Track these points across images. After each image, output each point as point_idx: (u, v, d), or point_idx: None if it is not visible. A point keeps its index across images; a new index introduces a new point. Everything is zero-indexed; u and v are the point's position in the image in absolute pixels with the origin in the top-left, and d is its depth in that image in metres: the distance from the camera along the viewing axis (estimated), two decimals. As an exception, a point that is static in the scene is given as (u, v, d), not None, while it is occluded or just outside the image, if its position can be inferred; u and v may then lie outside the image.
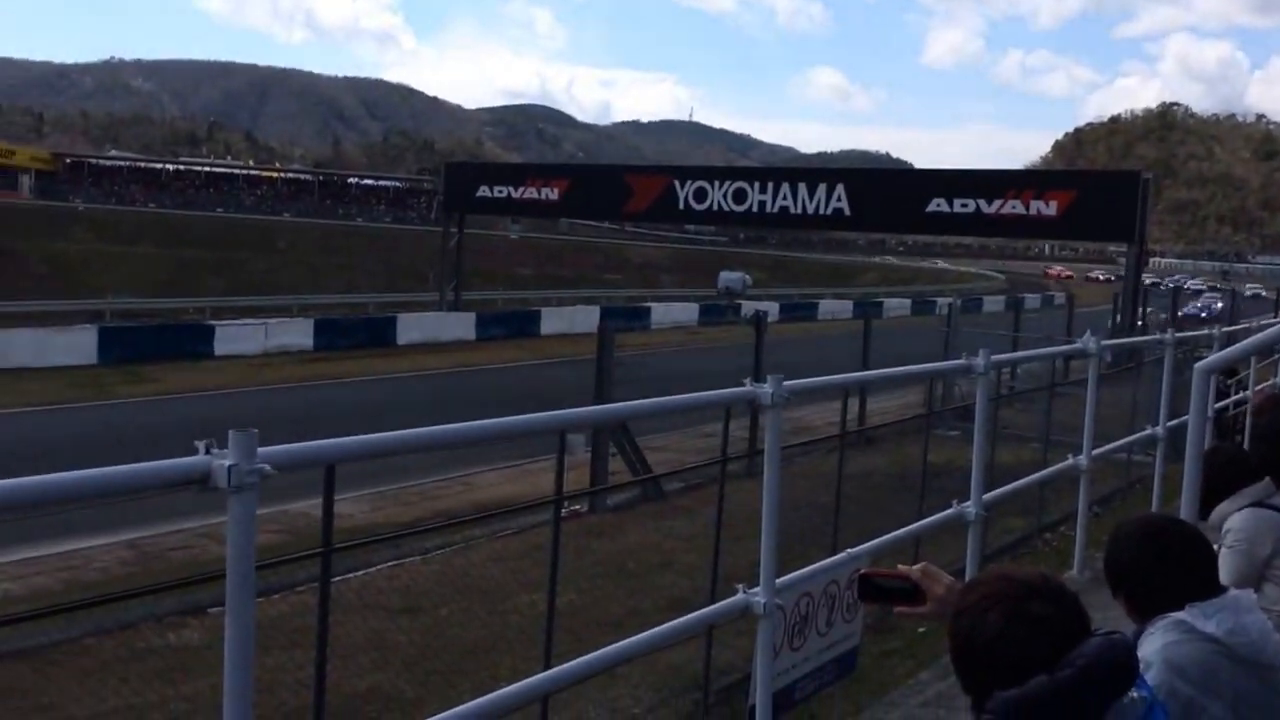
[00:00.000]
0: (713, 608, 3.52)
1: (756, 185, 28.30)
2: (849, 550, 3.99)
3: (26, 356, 23.39)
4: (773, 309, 38.33)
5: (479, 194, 33.23)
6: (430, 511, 12.29)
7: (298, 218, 71.91)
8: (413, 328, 31.79)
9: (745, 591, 3.18)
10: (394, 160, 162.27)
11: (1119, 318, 24.33)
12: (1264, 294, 52.61)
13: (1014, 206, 24.46)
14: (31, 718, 6.25)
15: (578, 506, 10.70)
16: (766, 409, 3.10)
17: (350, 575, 8.13)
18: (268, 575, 6.29)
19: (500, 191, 32.96)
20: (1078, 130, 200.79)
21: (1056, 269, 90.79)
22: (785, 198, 27.48)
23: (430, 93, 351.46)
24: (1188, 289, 61.92)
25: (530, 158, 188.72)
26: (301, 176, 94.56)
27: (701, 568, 5.89)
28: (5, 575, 9.66)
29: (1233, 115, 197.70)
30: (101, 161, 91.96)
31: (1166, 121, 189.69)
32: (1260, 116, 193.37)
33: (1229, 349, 4.64)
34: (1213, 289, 62.70)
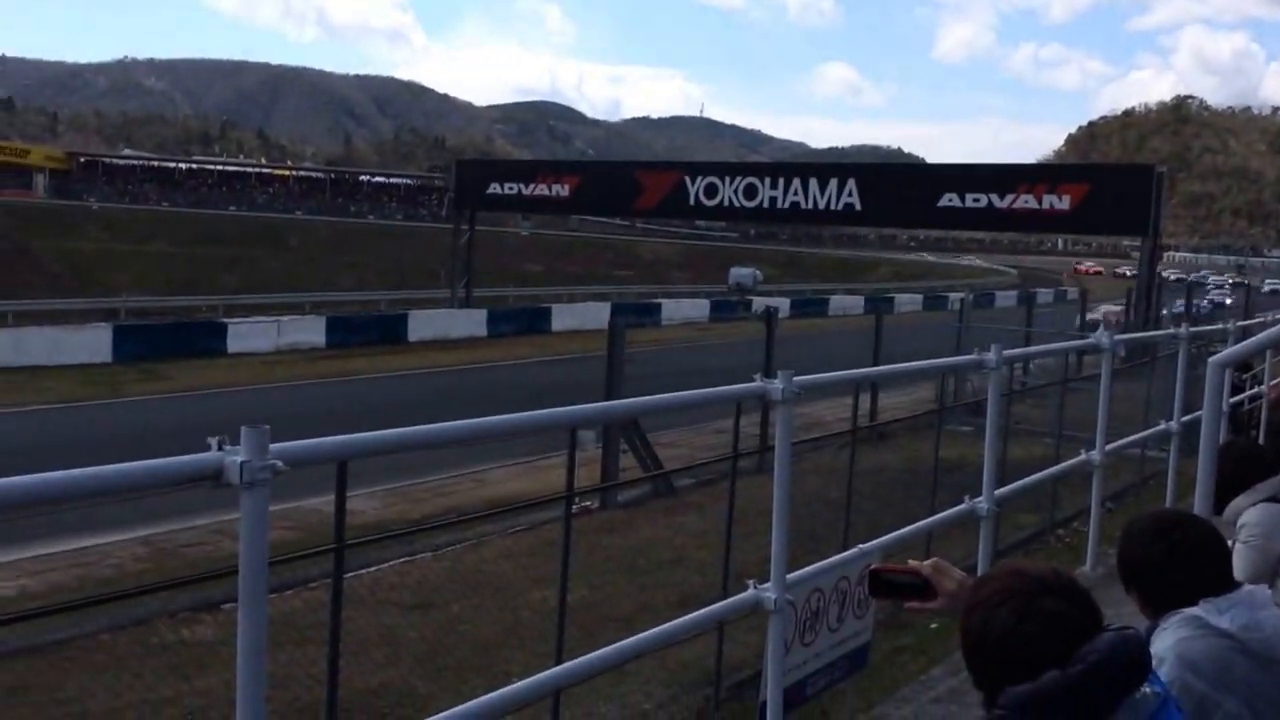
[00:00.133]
0: (723, 603, 3.52)
1: (767, 181, 28.22)
2: (860, 546, 3.98)
3: (42, 355, 23.59)
4: (784, 305, 38.28)
5: (490, 191, 33.28)
6: (442, 508, 12.33)
7: (310, 215, 72.20)
8: (424, 325, 31.88)
9: (756, 587, 3.18)
10: (405, 158, 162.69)
11: (1132, 312, 24.16)
12: None
13: (1026, 201, 24.31)
14: (48, 712, 6.30)
15: (589, 503, 10.71)
16: (777, 404, 3.09)
17: (363, 571, 8.18)
18: (281, 571, 6.33)
19: (511, 188, 33.00)
20: (1091, 124, 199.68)
21: (1086, 264, 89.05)
22: (796, 193, 27.40)
23: (441, 90, 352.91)
24: (1209, 284, 60.88)
25: (540, 154, 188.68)
26: (313, 174, 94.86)
27: (713, 564, 5.89)
28: (22, 571, 9.74)
29: (1248, 108, 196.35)
30: (115, 161, 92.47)
31: (1181, 115, 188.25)
32: (1276, 109, 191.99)
33: (1244, 343, 4.59)
34: (1235, 285, 61.81)
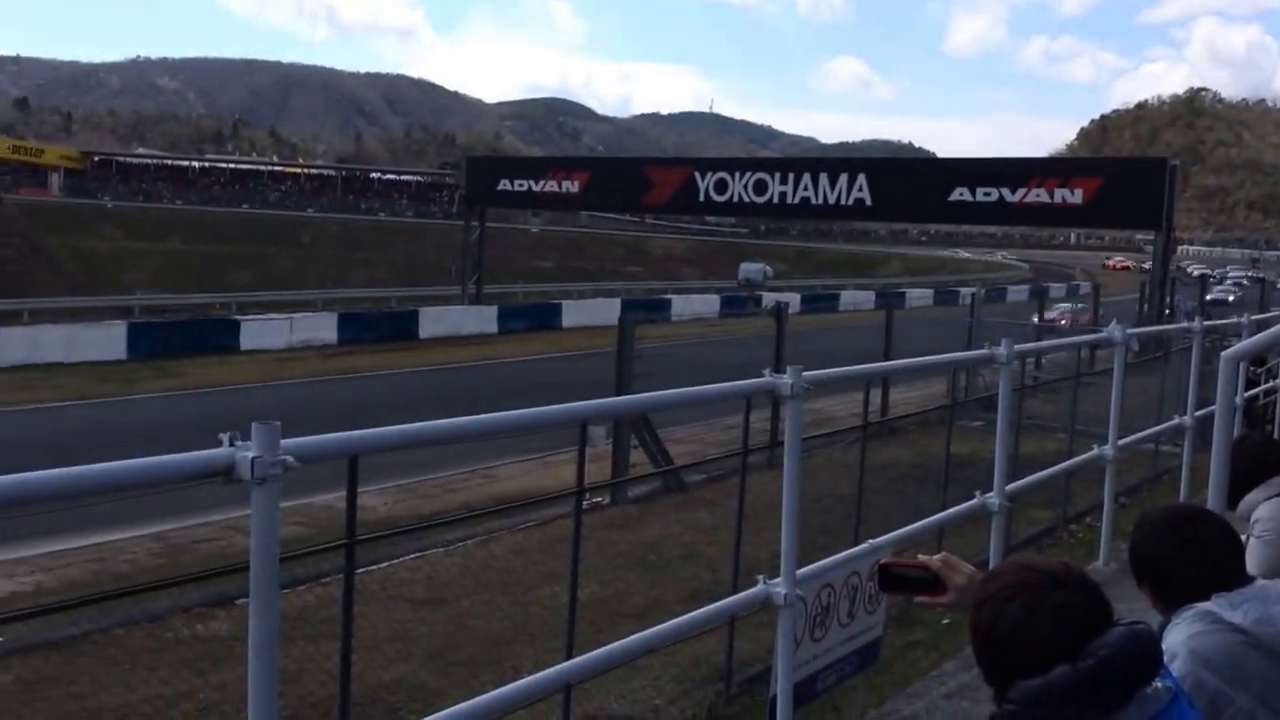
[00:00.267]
0: (733, 598, 3.52)
1: (777, 176, 28.15)
2: (871, 541, 3.98)
3: (58, 352, 23.78)
4: (794, 300, 38.21)
5: (500, 187, 33.32)
6: (452, 504, 12.38)
7: (321, 213, 72.47)
8: (435, 321, 31.97)
9: (766, 582, 3.18)
10: (416, 155, 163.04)
11: (1146, 306, 24.02)
12: None
13: (1038, 195, 24.17)
14: (63, 707, 6.36)
15: (599, 499, 10.72)
16: (787, 400, 3.09)
17: (374, 567, 8.21)
18: (293, 567, 6.36)
19: (521, 185, 33.03)
20: (1103, 117, 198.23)
21: (1116, 259, 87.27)
22: (806, 188, 27.32)
23: (451, 87, 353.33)
24: (1228, 280, 60.00)
25: (550, 151, 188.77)
26: (325, 172, 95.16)
27: (723, 559, 5.88)
28: (37, 567, 9.83)
29: (1262, 100, 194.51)
30: (129, 159, 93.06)
31: (1194, 107, 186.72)
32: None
33: (1258, 336, 4.55)
34: (1251, 279, 61.08)
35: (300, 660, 5.78)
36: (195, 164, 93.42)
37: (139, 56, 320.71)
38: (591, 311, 35.81)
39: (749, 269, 56.05)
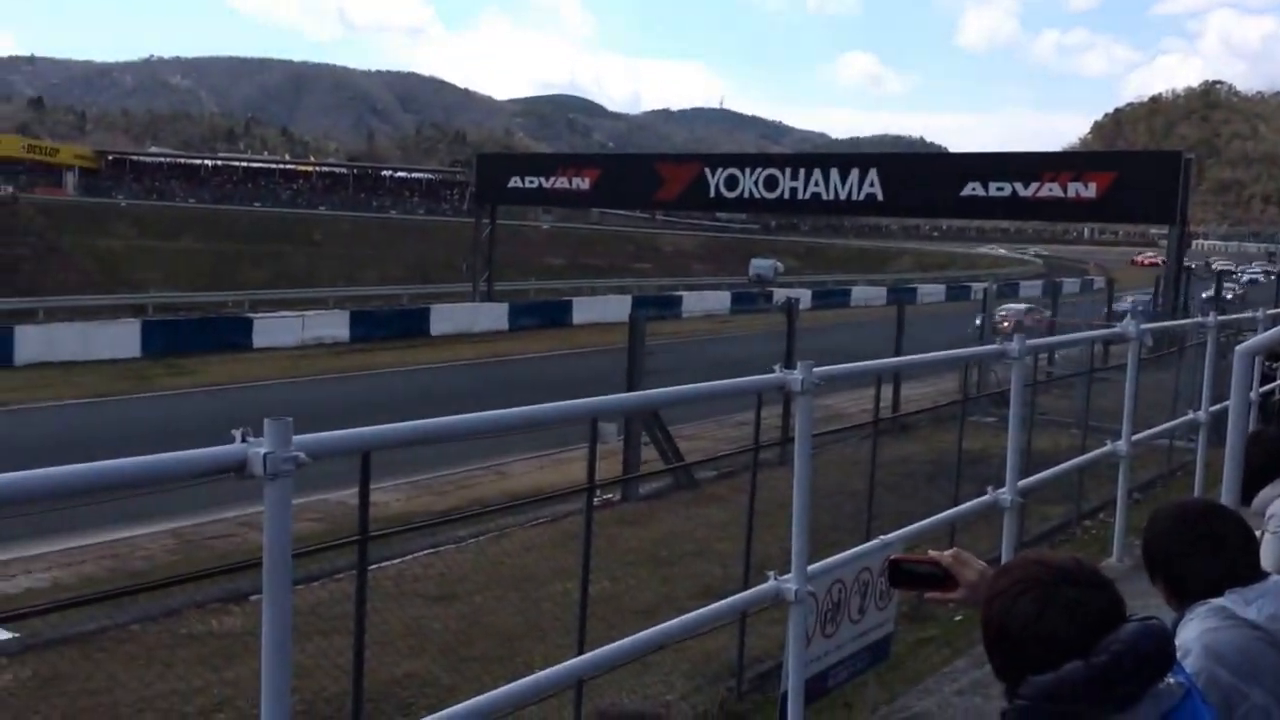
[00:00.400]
0: (744, 594, 3.52)
1: (788, 172, 28.06)
2: (882, 537, 3.97)
3: (73, 350, 23.98)
4: (805, 296, 38.13)
5: (510, 184, 33.34)
6: (464, 500, 12.42)
7: (333, 211, 72.67)
8: (446, 318, 32.06)
9: (777, 578, 3.18)
10: (427, 152, 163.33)
11: (1160, 301, 23.86)
12: None
13: (1051, 189, 24.02)
14: (79, 702, 6.41)
15: (610, 495, 10.73)
16: (797, 395, 3.09)
17: (387, 563, 8.24)
18: (306, 563, 6.40)
19: (531, 182, 33.04)
20: (1117, 111, 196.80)
21: (1146, 255, 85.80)
22: (817, 184, 27.23)
23: (461, 85, 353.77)
24: (1244, 277, 59.19)
25: (561, 148, 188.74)
26: (336, 170, 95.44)
27: (734, 556, 5.89)
28: (54, 563, 9.92)
29: (1278, 93, 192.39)
30: (142, 158, 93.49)
31: (1209, 100, 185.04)
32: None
33: (1273, 331, 4.52)
34: (1267, 274, 60.39)
35: (314, 655, 5.82)
36: (208, 162, 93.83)
37: (152, 56, 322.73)
38: (602, 308, 35.85)
39: (760, 265, 55.99)
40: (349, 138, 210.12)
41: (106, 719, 6.17)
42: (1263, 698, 1.83)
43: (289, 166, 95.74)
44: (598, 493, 5.90)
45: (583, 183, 32.07)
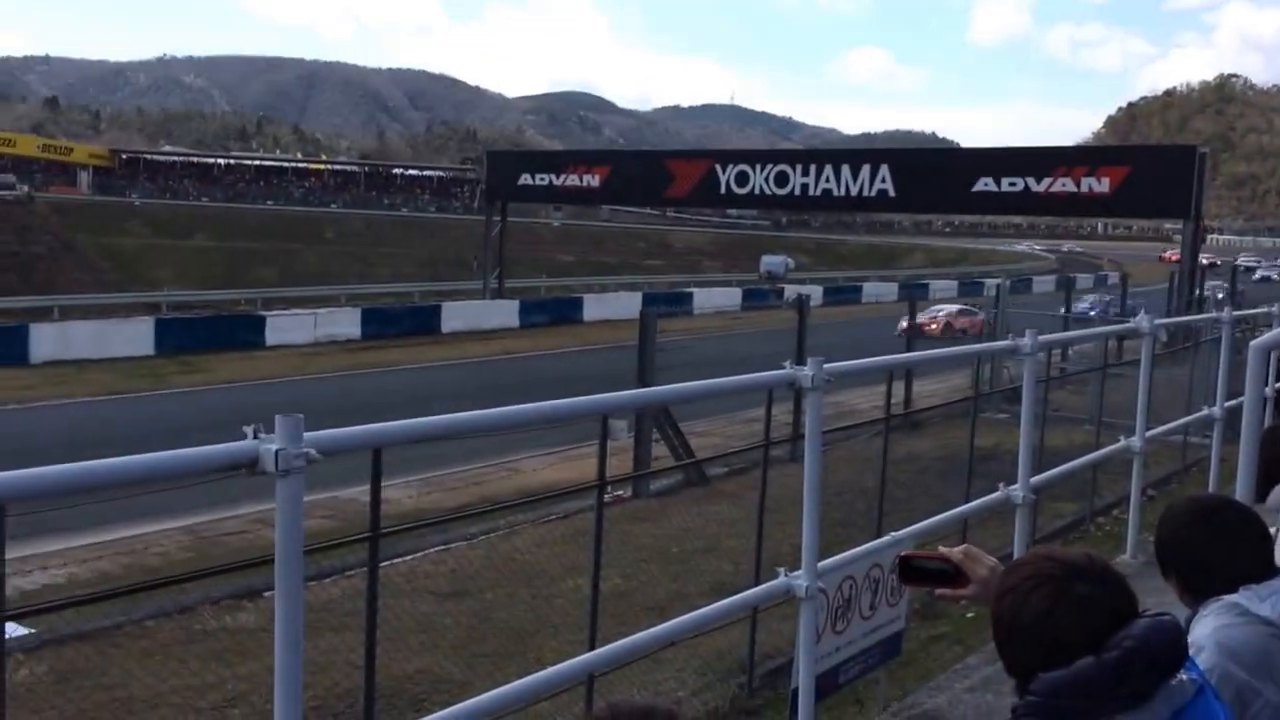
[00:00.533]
0: (755, 590, 3.52)
1: (799, 168, 28.01)
2: (893, 533, 3.96)
3: (88, 348, 24.16)
4: (816, 293, 38.02)
5: (521, 182, 33.39)
6: (476, 497, 12.45)
7: (344, 209, 72.91)
8: (457, 316, 32.15)
9: (787, 574, 3.17)
10: (437, 150, 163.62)
11: (1175, 297, 23.69)
12: None
13: (1064, 184, 23.89)
14: (94, 697, 6.47)
15: (621, 492, 10.75)
16: (807, 391, 3.08)
17: (399, 560, 8.28)
18: (319, 560, 6.44)
19: (542, 179, 33.08)
20: (1131, 105, 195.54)
21: (1173, 252, 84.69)
22: (828, 180, 27.17)
23: (472, 82, 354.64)
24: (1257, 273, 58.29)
25: (571, 145, 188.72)
26: (348, 168, 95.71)
27: (746, 552, 5.88)
28: (71, 560, 10.00)
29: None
30: (156, 157, 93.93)
31: (1224, 94, 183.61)
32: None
33: (1289, 326, 4.49)
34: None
35: (327, 651, 5.85)
36: (221, 161, 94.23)
37: (165, 55, 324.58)
38: (613, 305, 35.87)
39: (771, 261, 55.87)
40: (360, 136, 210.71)
41: (122, 714, 6.22)
42: (1276, 695, 1.81)
43: (301, 165, 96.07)
44: (609, 489, 5.90)
45: (593, 179, 32.08)
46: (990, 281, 38.56)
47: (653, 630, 3.02)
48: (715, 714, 5.56)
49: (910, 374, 13.99)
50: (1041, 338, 4.66)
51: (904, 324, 17.96)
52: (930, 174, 27.16)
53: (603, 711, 1.31)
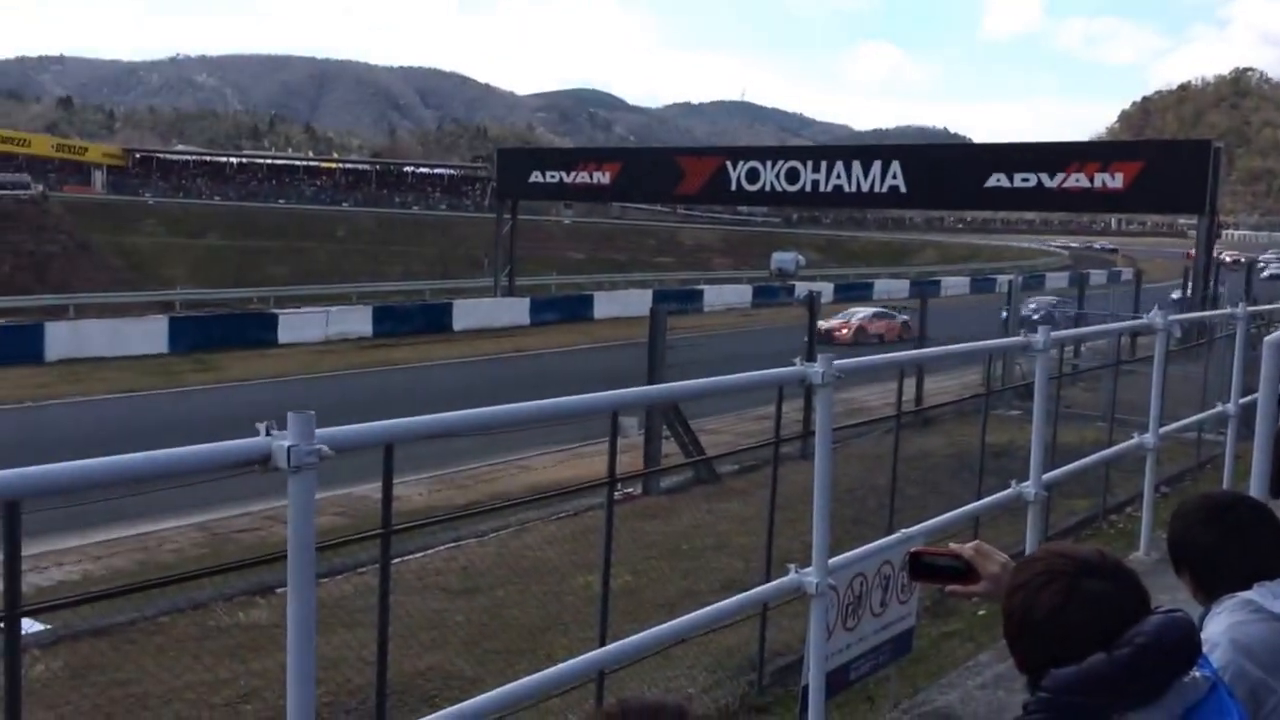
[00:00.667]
0: (765, 587, 3.52)
1: (809, 164, 27.92)
2: (904, 530, 3.95)
3: (102, 346, 24.33)
4: (827, 290, 37.93)
5: (531, 179, 33.41)
6: (486, 494, 12.47)
7: (356, 207, 73.16)
8: (468, 313, 32.22)
9: (798, 571, 3.17)
10: (448, 148, 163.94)
11: (1188, 292, 23.52)
12: None
13: (1078, 180, 23.73)
14: (109, 693, 6.52)
15: (631, 489, 10.75)
16: (817, 388, 3.07)
17: (410, 557, 8.31)
18: (331, 556, 6.46)
19: (552, 176, 33.09)
20: (1145, 100, 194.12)
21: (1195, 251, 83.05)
22: (839, 177, 27.07)
23: (482, 80, 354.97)
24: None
25: (582, 142, 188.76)
26: (359, 166, 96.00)
27: (756, 549, 5.87)
28: (85, 556, 10.07)
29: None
30: (169, 156, 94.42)
31: (1239, 88, 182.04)
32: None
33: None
34: None
35: (339, 648, 5.88)
36: (233, 160, 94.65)
37: (178, 55, 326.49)
38: (624, 302, 35.86)
39: (781, 258, 55.73)
40: (371, 134, 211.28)
41: (136, 709, 6.27)
42: (1291, 692, 1.80)
43: (312, 163, 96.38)
44: (619, 486, 5.91)
45: (603, 177, 32.06)
46: (1002, 278, 38.38)
47: (663, 627, 3.02)
48: (726, 711, 5.56)
49: (921, 370, 13.99)
50: (1054, 334, 4.64)
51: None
52: (942, 170, 27.01)
53: (613, 708, 1.32)
